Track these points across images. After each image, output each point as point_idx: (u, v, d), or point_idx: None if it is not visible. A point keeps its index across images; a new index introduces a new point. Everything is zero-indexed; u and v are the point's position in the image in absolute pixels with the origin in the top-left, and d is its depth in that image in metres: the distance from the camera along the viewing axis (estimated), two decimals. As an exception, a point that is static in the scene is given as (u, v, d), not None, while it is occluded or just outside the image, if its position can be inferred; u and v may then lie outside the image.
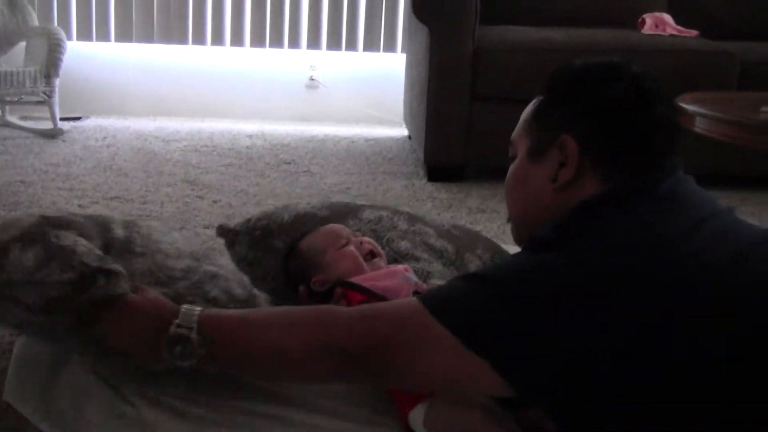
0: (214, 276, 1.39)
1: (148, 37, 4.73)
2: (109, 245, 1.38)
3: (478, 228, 2.70)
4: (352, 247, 1.57)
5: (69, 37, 4.50)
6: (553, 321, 1.04)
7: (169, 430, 1.25)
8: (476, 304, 1.09)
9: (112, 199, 3.00)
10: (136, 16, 4.69)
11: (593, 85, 1.26)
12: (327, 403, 1.30)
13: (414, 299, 1.15)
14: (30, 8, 4.34)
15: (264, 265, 1.80)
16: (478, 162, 3.52)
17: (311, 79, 4.89)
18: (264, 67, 4.88)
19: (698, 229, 1.11)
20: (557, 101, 1.29)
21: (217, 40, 4.78)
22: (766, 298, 1.02)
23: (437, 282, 1.58)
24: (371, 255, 1.58)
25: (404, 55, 4.52)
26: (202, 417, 1.26)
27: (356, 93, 4.90)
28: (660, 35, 3.76)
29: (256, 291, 1.45)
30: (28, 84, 4.01)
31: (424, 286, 1.51)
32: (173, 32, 4.74)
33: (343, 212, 1.84)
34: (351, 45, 4.84)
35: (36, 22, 4.32)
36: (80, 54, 4.67)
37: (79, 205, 2.87)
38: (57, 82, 4.12)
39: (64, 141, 4.01)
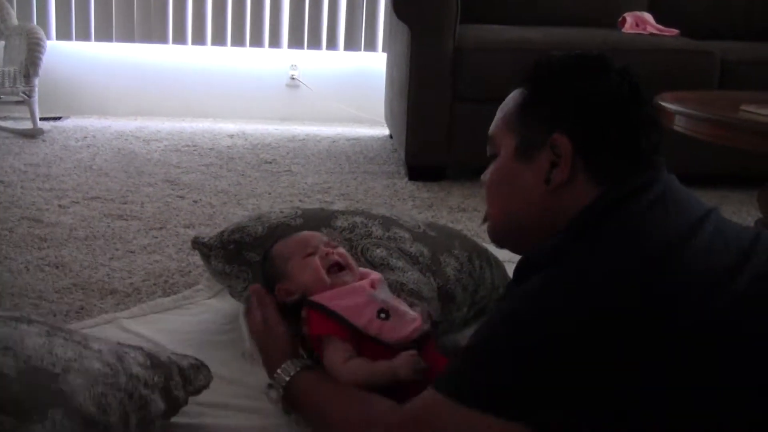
0: None
1: (128, 37, 4.71)
2: None
3: (458, 227, 2.70)
4: (316, 258, 1.53)
5: (48, 37, 4.48)
6: (570, 361, 1.03)
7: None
8: (489, 372, 1.08)
9: (92, 199, 2.97)
10: (116, 15, 4.67)
11: (582, 77, 1.21)
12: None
13: (429, 393, 1.13)
14: (9, 7, 4.31)
15: (243, 278, 1.82)
16: (459, 161, 3.52)
17: (292, 78, 4.89)
18: (245, 67, 4.87)
19: (697, 229, 1.10)
20: (544, 95, 1.22)
21: (198, 39, 4.76)
22: None
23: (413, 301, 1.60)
24: (338, 267, 1.53)
25: (385, 55, 4.52)
26: None
27: (337, 92, 4.89)
28: (641, 34, 3.77)
29: None
30: (7, 84, 3.98)
31: (393, 302, 1.49)
32: (154, 31, 4.72)
33: (317, 220, 1.84)
34: (332, 44, 4.84)
35: (15, 21, 4.29)
36: (60, 53, 4.64)
37: (60, 206, 2.85)
38: (36, 81, 4.10)
39: (44, 141, 3.99)
